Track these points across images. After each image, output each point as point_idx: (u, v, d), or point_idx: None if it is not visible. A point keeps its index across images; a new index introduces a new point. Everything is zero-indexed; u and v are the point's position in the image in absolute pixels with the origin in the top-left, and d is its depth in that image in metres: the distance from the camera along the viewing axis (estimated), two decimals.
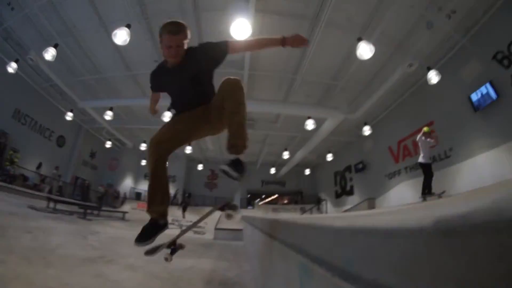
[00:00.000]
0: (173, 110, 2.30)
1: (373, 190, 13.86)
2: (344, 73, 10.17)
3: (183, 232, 2.54)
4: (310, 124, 11.58)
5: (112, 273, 2.89)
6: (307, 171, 21.44)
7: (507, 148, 7.25)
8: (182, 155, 18.24)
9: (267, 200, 21.95)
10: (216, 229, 11.52)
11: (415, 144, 11.22)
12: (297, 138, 15.78)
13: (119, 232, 7.00)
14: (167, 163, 2.03)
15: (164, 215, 2.00)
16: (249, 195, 22.31)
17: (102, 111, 12.94)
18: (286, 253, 1.06)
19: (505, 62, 7.44)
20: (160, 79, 2.21)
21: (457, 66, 9.06)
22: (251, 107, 9.57)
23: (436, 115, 10.27)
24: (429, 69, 8.79)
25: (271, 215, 9.34)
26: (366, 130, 12.61)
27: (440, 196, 6.32)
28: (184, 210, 15.89)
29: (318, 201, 19.11)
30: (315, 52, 9.03)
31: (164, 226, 1.99)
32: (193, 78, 2.04)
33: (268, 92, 11.55)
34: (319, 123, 12.31)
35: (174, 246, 2.22)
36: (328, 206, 18.90)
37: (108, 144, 17.27)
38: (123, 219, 11.40)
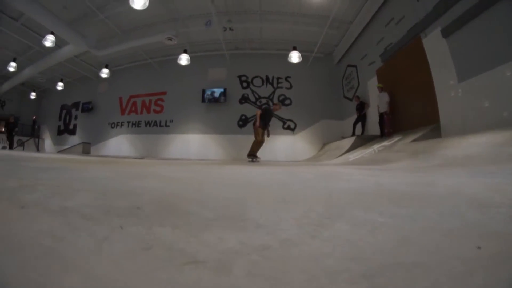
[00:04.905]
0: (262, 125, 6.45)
1: (94, 135, 13.32)
2: (111, 8, 9.04)
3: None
4: (49, 41, 9.03)
5: None
6: (33, 95, 15.67)
7: None
8: None
9: None
10: None
11: (144, 103, 12.65)
12: (33, 51, 11.43)
13: None
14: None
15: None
16: None
17: None
18: None
19: None
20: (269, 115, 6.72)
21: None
22: None
23: (170, 88, 12.29)
24: (294, 48, 9.89)
25: None
26: (105, 73, 11.91)
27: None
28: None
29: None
30: None
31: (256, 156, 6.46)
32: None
33: None
34: (61, 43, 9.95)
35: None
36: (48, 143, 15.36)
37: None
38: None
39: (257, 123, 6.41)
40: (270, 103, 10.70)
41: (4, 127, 11.51)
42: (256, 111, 6.80)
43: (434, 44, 6.01)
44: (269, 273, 0.43)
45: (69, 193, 1.01)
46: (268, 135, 6.75)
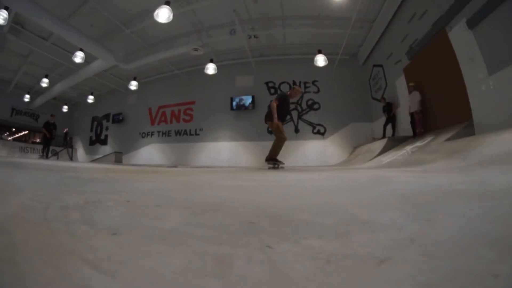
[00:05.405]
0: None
1: (125, 144, 13.87)
2: (136, 23, 9.39)
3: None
4: (79, 57, 9.57)
5: None
6: (65, 108, 16.74)
7: None
8: None
9: (16, 136, 16.51)
10: None
11: (173, 113, 12.92)
12: (64, 67, 12.28)
13: None
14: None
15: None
16: None
17: None
18: None
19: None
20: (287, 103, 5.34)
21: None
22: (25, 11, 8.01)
23: (198, 98, 12.46)
24: (319, 52, 9.70)
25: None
26: (133, 85, 12.36)
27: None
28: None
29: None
30: None
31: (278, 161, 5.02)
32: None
33: (52, 1, 8.20)
34: (90, 59, 10.51)
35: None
36: (80, 152, 16.37)
37: None
38: None
39: (275, 119, 4.93)
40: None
41: (44, 127, 11.25)
42: (271, 102, 5.14)
43: (460, 36, 5.66)
44: (440, 258, 0.50)
45: (149, 210, 0.93)
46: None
